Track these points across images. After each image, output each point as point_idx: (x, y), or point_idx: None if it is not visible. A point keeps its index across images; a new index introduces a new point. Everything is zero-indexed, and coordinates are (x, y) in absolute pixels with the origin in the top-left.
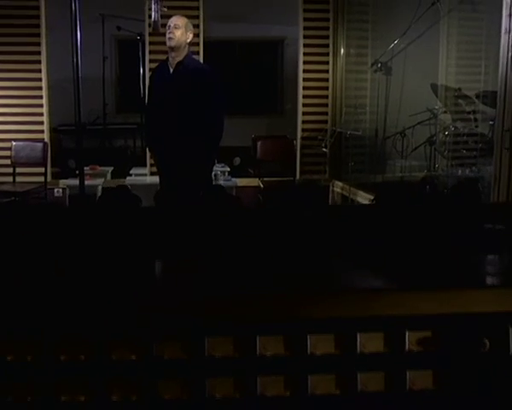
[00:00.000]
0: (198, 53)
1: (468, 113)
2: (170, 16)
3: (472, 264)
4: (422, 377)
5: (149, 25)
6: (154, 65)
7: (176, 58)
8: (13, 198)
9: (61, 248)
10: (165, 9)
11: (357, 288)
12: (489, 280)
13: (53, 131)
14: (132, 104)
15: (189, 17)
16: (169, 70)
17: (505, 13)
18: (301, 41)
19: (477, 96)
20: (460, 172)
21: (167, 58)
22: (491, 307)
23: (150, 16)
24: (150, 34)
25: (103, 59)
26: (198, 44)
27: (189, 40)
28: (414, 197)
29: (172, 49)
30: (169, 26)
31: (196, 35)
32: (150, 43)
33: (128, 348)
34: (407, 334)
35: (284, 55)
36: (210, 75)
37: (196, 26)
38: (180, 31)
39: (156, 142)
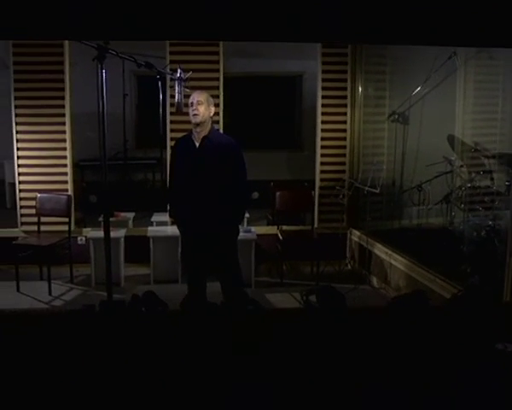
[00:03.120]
0: (218, 88)
1: (485, 171)
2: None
3: None
4: None
5: (172, 104)
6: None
7: (201, 133)
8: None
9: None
10: (188, 90)
11: None
12: None
13: (74, 166)
14: (151, 139)
15: (209, 52)
16: (194, 144)
17: None
18: (320, 92)
19: (493, 156)
20: (476, 222)
21: (191, 132)
22: None
23: (173, 96)
24: (172, 113)
25: (124, 96)
26: (218, 79)
27: (212, 114)
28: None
29: (198, 124)
30: (192, 103)
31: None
32: (171, 122)
33: None
34: None
35: (303, 90)
36: (234, 148)
37: (216, 63)
38: (203, 106)
39: (182, 211)
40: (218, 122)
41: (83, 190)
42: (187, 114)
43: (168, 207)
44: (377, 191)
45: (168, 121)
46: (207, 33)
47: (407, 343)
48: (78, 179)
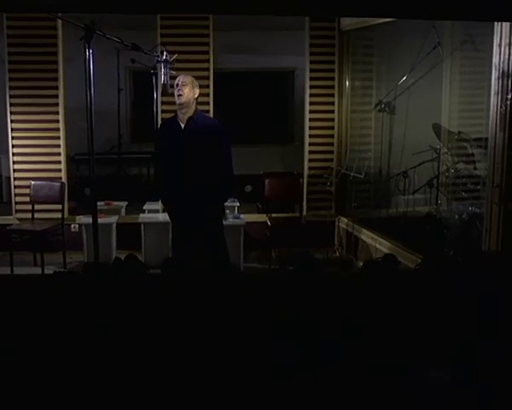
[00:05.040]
0: (208, 78)
1: (468, 156)
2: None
3: None
4: None
5: (161, 92)
6: None
7: (186, 114)
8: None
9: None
10: (174, 72)
11: None
12: None
13: (70, 159)
14: (146, 134)
15: (199, 43)
16: (179, 125)
17: (494, 76)
18: (307, 83)
19: (479, 145)
20: (461, 209)
21: (176, 114)
22: None
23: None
24: (163, 103)
25: (118, 90)
26: (208, 69)
27: (196, 96)
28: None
29: (182, 105)
30: (177, 84)
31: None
32: (162, 103)
33: None
34: None
35: (295, 85)
36: (220, 129)
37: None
38: (188, 87)
39: (169, 193)
40: (208, 112)
41: (77, 183)
42: (174, 103)
43: (157, 191)
44: (362, 176)
45: (159, 111)
46: (194, 6)
47: (379, 302)
48: (73, 172)
